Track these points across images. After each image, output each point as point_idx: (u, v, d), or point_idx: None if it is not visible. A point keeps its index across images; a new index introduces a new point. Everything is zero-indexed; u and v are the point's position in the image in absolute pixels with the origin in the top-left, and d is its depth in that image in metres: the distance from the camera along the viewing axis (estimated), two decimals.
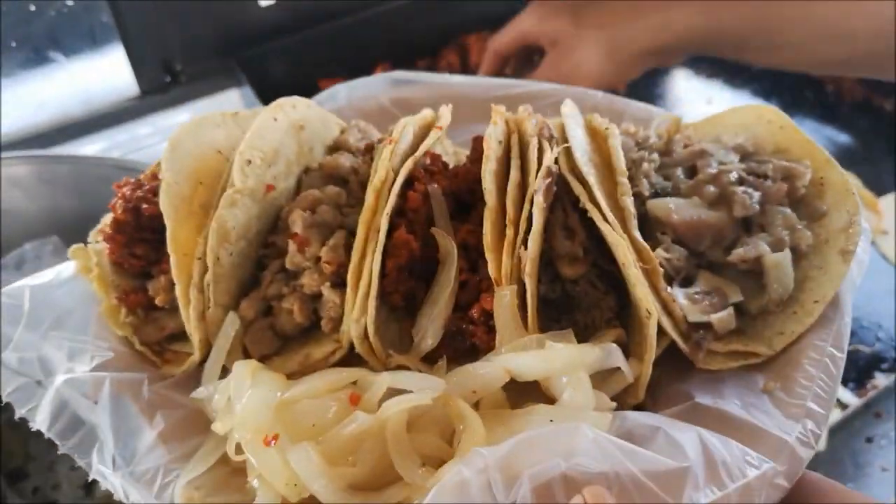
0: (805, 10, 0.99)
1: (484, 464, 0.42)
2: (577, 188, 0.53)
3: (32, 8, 1.22)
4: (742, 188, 0.55)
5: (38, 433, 1.05)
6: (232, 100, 1.34)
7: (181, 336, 0.58)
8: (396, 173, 0.55)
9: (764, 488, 0.43)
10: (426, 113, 0.62)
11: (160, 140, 1.32)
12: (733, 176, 0.56)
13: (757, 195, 0.55)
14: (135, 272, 0.60)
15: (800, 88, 1.49)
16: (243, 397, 0.49)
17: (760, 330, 0.53)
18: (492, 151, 0.55)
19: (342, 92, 0.79)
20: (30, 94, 1.28)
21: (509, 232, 0.52)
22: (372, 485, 0.47)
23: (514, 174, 0.54)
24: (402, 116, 0.74)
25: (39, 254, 1.08)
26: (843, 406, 1.06)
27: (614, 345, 0.49)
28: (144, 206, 0.60)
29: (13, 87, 1.26)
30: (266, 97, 1.20)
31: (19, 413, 0.54)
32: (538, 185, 0.52)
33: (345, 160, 0.63)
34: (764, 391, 0.50)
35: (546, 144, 0.55)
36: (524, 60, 1.19)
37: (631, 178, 0.57)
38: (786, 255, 0.52)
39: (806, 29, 1.00)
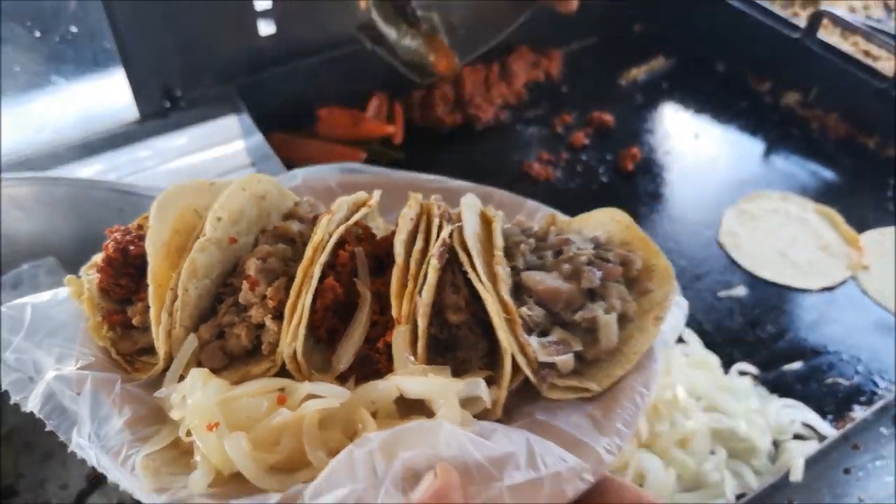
0: None
1: (370, 446, 0.58)
2: (463, 257, 0.71)
3: (38, 34, 1.27)
4: (589, 267, 0.74)
5: (28, 451, 1.13)
6: (230, 126, 1.39)
7: (149, 350, 0.73)
8: (331, 236, 0.73)
9: (572, 480, 0.59)
10: (360, 194, 0.81)
11: (158, 163, 1.36)
12: (584, 259, 0.75)
13: (599, 273, 0.74)
14: (117, 298, 0.75)
15: (785, 125, 1.58)
16: (195, 394, 0.65)
17: (594, 373, 0.70)
18: (404, 225, 0.73)
19: (300, 174, 0.97)
20: (29, 116, 1.31)
21: (410, 284, 0.69)
22: (288, 468, 0.62)
23: (419, 244, 0.72)
24: (344, 195, 0.93)
25: (35, 274, 1.16)
26: (821, 437, 1.12)
27: (480, 379, 0.65)
28: (132, 247, 0.76)
29: (13, 109, 1.30)
30: (264, 124, 1.29)
31: (14, 399, 0.69)
32: (434, 251, 0.70)
33: (294, 226, 0.81)
34: (589, 417, 0.67)
35: (445, 224, 0.73)
36: None
37: (511, 255, 0.76)
38: (613, 317, 0.70)
39: None
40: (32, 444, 1.17)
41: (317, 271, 0.70)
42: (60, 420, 0.66)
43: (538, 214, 0.88)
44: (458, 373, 0.68)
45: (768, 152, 1.60)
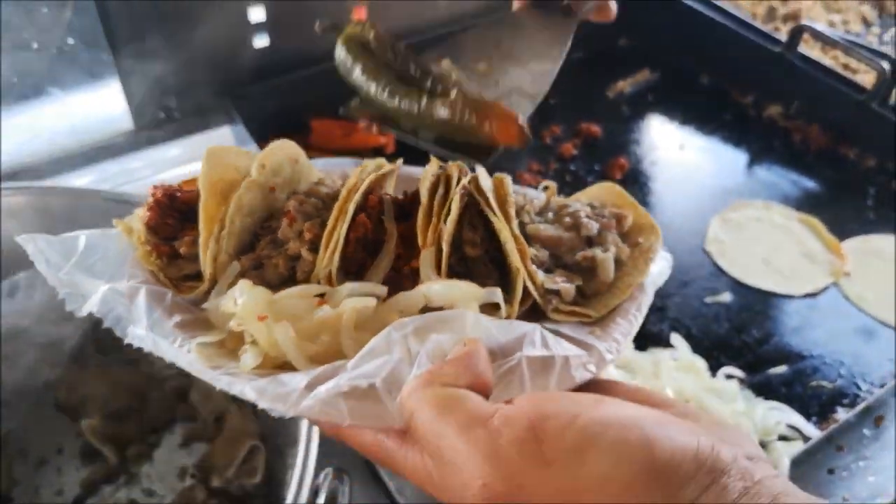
0: None
1: (405, 330, 0.66)
2: (481, 200, 0.81)
3: (35, 45, 1.31)
4: (588, 219, 0.85)
5: (22, 458, 1.14)
6: (224, 136, 1.44)
7: (193, 277, 0.81)
8: (363, 181, 0.83)
9: (578, 367, 0.67)
10: (384, 160, 0.91)
11: (152, 173, 1.40)
12: (583, 213, 0.86)
13: (596, 224, 0.84)
14: (164, 235, 0.83)
15: (768, 136, 1.64)
16: (245, 295, 0.72)
17: (593, 304, 0.80)
18: (428, 174, 0.84)
19: (318, 164, 1.08)
20: (25, 126, 1.34)
21: (434, 219, 0.79)
22: (326, 360, 0.69)
23: (441, 190, 0.82)
24: None
25: (32, 282, 1.17)
26: (805, 439, 1.16)
27: (497, 288, 0.74)
28: (178, 194, 0.85)
29: (9, 119, 1.32)
30: (258, 135, 1.33)
31: (70, 307, 0.75)
32: (457, 191, 0.80)
33: (323, 189, 0.91)
34: (589, 333, 0.76)
35: (463, 177, 0.84)
36: None
37: (518, 213, 0.86)
38: (609, 255, 0.81)
39: None
40: (26, 451, 1.19)
41: (351, 207, 0.79)
42: (115, 322, 0.73)
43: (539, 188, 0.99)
44: None
45: (752, 163, 1.65)
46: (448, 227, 0.78)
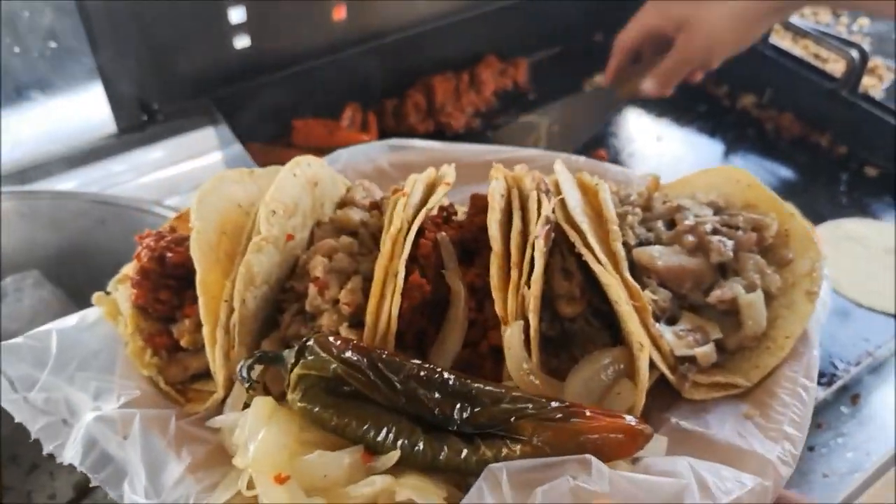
0: None
1: (498, 478, 0.47)
2: (573, 235, 0.59)
3: (17, 49, 1.25)
4: (717, 237, 0.62)
5: (13, 463, 1.06)
6: (207, 137, 1.37)
7: (203, 375, 0.62)
8: (410, 223, 0.61)
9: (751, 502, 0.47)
10: (430, 171, 0.68)
11: (134, 177, 1.35)
12: (709, 227, 0.63)
13: (730, 243, 0.62)
14: (158, 316, 0.63)
15: (742, 126, 1.60)
16: (258, 435, 0.53)
17: (738, 364, 0.59)
18: (496, 203, 0.61)
19: (343, 155, 0.85)
20: (8, 131, 1.29)
21: (514, 274, 0.57)
22: None
23: (517, 223, 0.60)
24: (399, 178, 0.81)
25: (20, 286, 1.09)
26: None
27: None
28: (169, 254, 0.64)
29: None
30: (242, 135, 1.28)
31: (47, 449, 0.57)
32: (538, 232, 0.58)
33: (354, 214, 0.69)
34: (744, 417, 0.55)
35: (544, 197, 0.61)
36: (654, 51, 1.31)
37: (619, 228, 0.64)
38: (759, 295, 0.59)
39: None
40: (18, 457, 1.12)
41: (401, 267, 0.58)
42: (108, 473, 0.55)
43: (634, 182, 0.76)
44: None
45: (727, 152, 1.63)
46: (533, 290, 0.56)
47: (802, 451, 0.57)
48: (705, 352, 0.57)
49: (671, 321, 0.60)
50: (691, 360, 0.57)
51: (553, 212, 0.60)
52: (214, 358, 0.58)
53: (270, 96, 1.38)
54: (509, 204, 0.63)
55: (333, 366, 0.52)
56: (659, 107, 1.68)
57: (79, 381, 0.60)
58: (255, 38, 1.35)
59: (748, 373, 0.58)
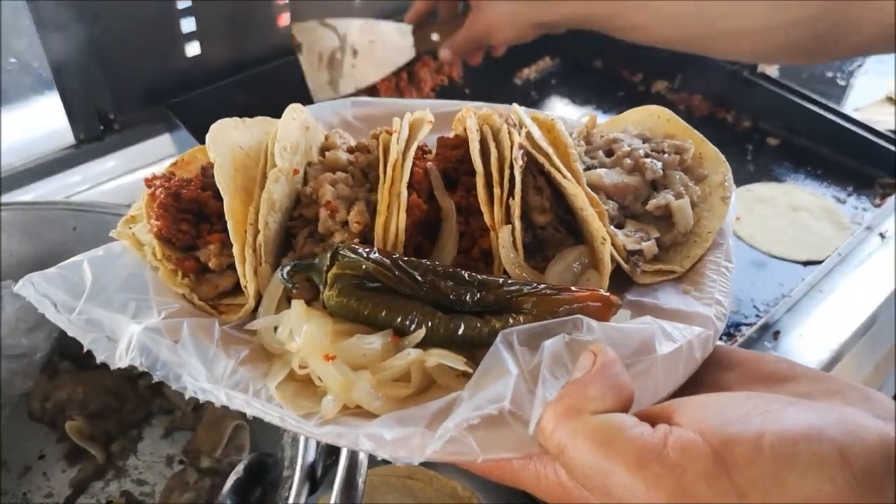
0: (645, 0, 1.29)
1: (510, 340, 0.59)
2: (541, 158, 0.72)
3: None
4: (649, 160, 0.77)
5: (4, 469, 1.09)
6: (164, 143, 1.44)
7: (230, 292, 0.70)
8: (404, 155, 0.72)
9: (700, 345, 0.62)
10: (408, 114, 0.79)
11: (90, 187, 1.39)
12: (641, 152, 0.78)
13: (659, 164, 0.77)
14: (180, 245, 0.71)
15: None
16: (303, 328, 0.62)
17: (673, 256, 0.74)
18: (474, 135, 0.73)
19: (310, 111, 0.94)
20: None
21: (496, 190, 0.70)
22: (406, 404, 0.61)
23: (495, 152, 0.72)
24: (363, 129, 0.92)
25: None
26: None
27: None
28: (183, 191, 0.72)
29: None
30: (200, 139, 1.33)
31: (100, 359, 0.64)
32: (516, 154, 0.70)
33: (342, 155, 0.79)
34: (683, 293, 0.70)
35: (513, 130, 0.73)
36: (451, 10, 1.49)
37: None
38: (686, 201, 0.74)
39: (647, 13, 1.30)
40: (8, 462, 1.14)
41: (404, 190, 0.69)
42: (164, 371, 0.62)
43: (576, 122, 0.90)
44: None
45: None
46: (517, 201, 0.69)
47: None
48: (649, 246, 0.72)
49: (618, 227, 0.74)
50: (639, 253, 0.72)
51: (526, 143, 0.73)
52: (245, 273, 0.67)
53: (223, 102, 1.45)
54: (484, 136, 0.75)
55: (364, 265, 0.63)
56: (582, 95, 1.85)
57: (117, 302, 0.66)
58: (206, 46, 1.41)
59: (681, 261, 0.73)
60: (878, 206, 1.45)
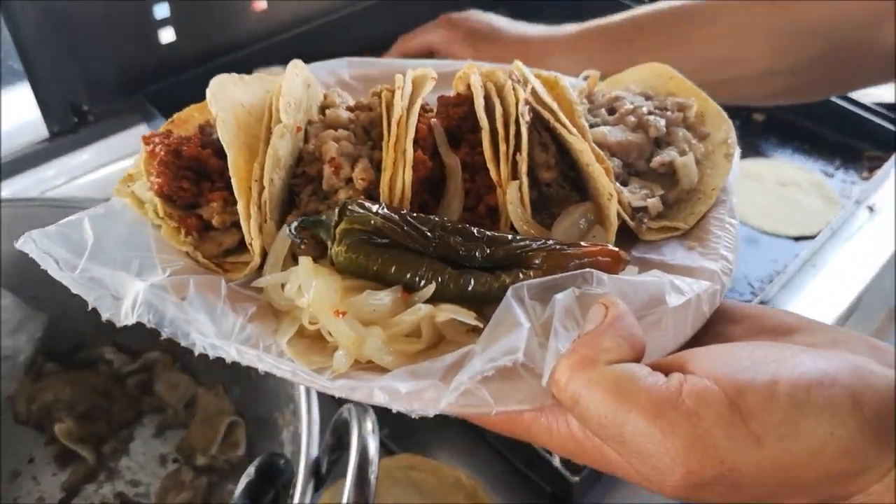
0: (644, 56, 1.26)
1: (521, 294, 0.59)
2: (546, 114, 0.71)
3: None
4: (652, 117, 0.77)
5: None
6: (140, 134, 1.39)
7: (234, 250, 0.69)
8: (407, 112, 0.71)
9: (707, 299, 0.62)
10: (410, 71, 0.78)
11: (66, 181, 1.36)
12: (645, 109, 0.77)
13: (662, 122, 0.77)
14: (182, 203, 0.70)
15: None
16: (312, 283, 0.62)
17: (677, 213, 0.74)
18: (479, 91, 0.72)
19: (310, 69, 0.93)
20: None
21: (502, 146, 0.69)
22: (417, 359, 0.61)
23: (499, 108, 0.71)
24: (360, 89, 0.90)
25: None
26: None
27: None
28: (184, 149, 0.71)
29: None
30: None
31: (105, 317, 0.63)
32: (522, 110, 0.70)
33: (342, 113, 0.78)
34: (688, 249, 0.70)
35: (517, 86, 0.73)
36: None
37: None
38: (690, 157, 0.74)
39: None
40: None
41: (409, 146, 0.68)
42: (172, 328, 0.62)
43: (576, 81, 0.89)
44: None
45: None
46: (524, 155, 0.68)
47: None
48: (654, 202, 0.72)
49: (623, 184, 0.74)
50: (644, 210, 0.72)
51: (531, 98, 0.72)
52: (249, 230, 0.66)
53: (202, 88, 1.39)
54: (488, 93, 0.74)
55: (373, 220, 0.62)
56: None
57: (120, 260, 0.65)
58: (180, 32, 1.38)
59: (686, 218, 0.73)
60: (865, 179, 1.46)
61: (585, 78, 0.84)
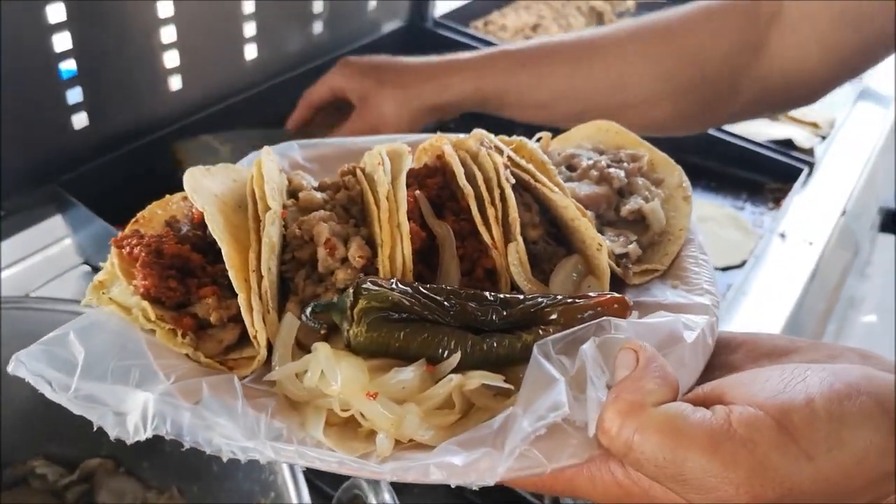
0: (539, 79, 1.32)
1: (547, 349, 0.60)
2: (525, 175, 0.74)
3: None
4: (612, 170, 0.81)
5: None
6: (55, 226, 1.35)
7: (234, 346, 0.66)
8: (391, 186, 0.72)
9: (710, 332, 0.66)
10: (381, 147, 0.79)
11: None
12: (603, 163, 0.82)
13: (622, 173, 0.81)
14: (171, 303, 0.67)
15: None
16: (338, 368, 0.60)
17: (651, 256, 0.78)
18: (455, 159, 0.74)
19: (254, 156, 0.91)
20: None
21: (491, 210, 0.71)
22: (461, 423, 0.61)
23: (480, 175, 0.74)
24: (316, 170, 0.90)
25: None
26: None
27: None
28: (164, 247, 0.68)
29: None
30: (104, 214, 1.24)
31: (113, 435, 0.58)
32: (503, 174, 0.72)
33: (315, 194, 0.77)
34: (673, 287, 0.75)
35: (492, 152, 0.76)
36: (333, 110, 1.42)
37: None
38: (657, 202, 0.79)
39: (541, 93, 1.33)
40: None
41: (403, 220, 0.68)
42: (192, 437, 0.58)
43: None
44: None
45: None
46: (513, 215, 0.70)
47: None
48: (633, 248, 0.76)
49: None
50: (626, 255, 0.76)
51: (508, 162, 0.75)
52: (254, 323, 0.64)
53: (122, 172, 1.36)
54: (463, 160, 0.76)
55: (390, 296, 0.62)
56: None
57: (117, 372, 0.61)
58: (95, 116, 1.32)
59: (661, 259, 0.77)
60: (772, 209, 1.59)
61: (538, 140, 0.88)
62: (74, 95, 1.28)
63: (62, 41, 1.23)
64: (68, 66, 1.25)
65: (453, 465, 0.55)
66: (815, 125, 1.85)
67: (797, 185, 1.56)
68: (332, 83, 1.39)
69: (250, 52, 1.55)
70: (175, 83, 1.44)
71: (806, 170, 1.61)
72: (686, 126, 1.44)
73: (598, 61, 1.30)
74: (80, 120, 1.30)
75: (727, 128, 1.69)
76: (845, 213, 1.63)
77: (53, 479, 1.07)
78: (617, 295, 0.66)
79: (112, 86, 1.33)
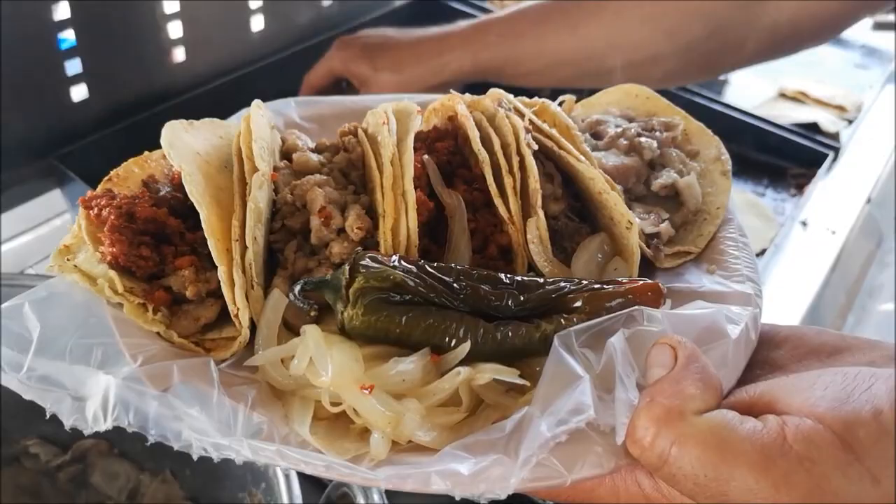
0: (537, 45, 1.26)
1: (569, 342, 0.52)
2: (548, 141, 0.66)
3: None
4: (644, 139, 0.73)
5: None
6: (54, 200, 1.28)
7: (213, 325, 0.59)
8: (396, 149, 0.63)
9: (753, 326, 0.58)
10: (388, 105, 0.70)
11: None
12: (633, 131, 0.73)
13: (655, 143, 0.73)
14: (143, 274, 0.59)
15: None
16: (329, 356, 0.52)
17: (685, 236, 0.70)
18: (470, 121, 0.66)
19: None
20: None
21: (508, 180, 0.63)
22: (467, 422, 0.54)
23: (497, 139, 0.65)
24: (314, 130, 0.82)
25: None
26: None
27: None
28: (136, 209, 0.60)
29: None
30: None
31: (68, 424, 0.51)
32: (526, 139, 0.64)
33: (312, 156, 0.69)
34: (709, 273, 0.66)
35: (510, 114, 0.67)
36: (334, 91, 1.36)
37: None
38: (693, 177, 0.71)
39: (541, 59, 1.26)
40: None
41: (409, 187, 0.60)
42: (158, 429, 0.50)
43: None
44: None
45: None
46: (534, 185, 0.62)
47: None
48: (666, 227, 0.67)
49: None
50: (657, 236, 0.67)
51: (530, 127, 0.67)
52: (235, 299, 0.56)
53: (121, 146, 1.24)
54: (478, 123, 0.67)
55: (392, 275, 0.54)
56: None
57: (76, 351, 0.53)
58: (94, 88, 1.24)
59: (695, 241, 0.69)
60: (794, 196, 1.50)
61: (560, 103, 0.79)
62: (73, 66, 1.20)
63: (61, 10, 1.15)
64: (67, 35, 1.18)
65: (459, 473, 0.47)
66: (841, 108, 1.76)
67: (821, 170, 1.47)
68: (330, 66, 1.35)
69: (257, 23, 1.47)
70: (178, 55, 1.35)
71: (831, 155, 1.52)
72: (692, 77, 1.42)
73: (596, 22, 1.24)
74: (79, 92, 1.22)
75: (749, 110, 1.60)
76: (870, 200, 1.54)
77: (46, 459, 1.03)
78: (650, 281, 0.58)
79: (112, 57, 1.25)
